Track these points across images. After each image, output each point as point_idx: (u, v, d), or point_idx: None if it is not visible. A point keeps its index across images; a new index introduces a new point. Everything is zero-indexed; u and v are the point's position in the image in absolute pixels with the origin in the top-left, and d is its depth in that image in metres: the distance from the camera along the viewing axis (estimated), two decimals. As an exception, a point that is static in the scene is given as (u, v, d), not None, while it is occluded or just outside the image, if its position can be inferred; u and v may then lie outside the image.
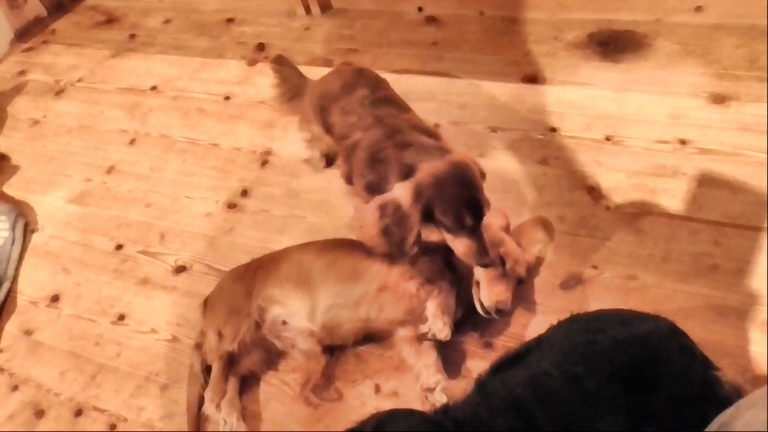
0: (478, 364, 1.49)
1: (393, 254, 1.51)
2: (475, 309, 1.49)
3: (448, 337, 1.47)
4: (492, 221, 1.55)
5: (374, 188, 1.60)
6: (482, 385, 1.15)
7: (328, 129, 1.83)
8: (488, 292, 1.45)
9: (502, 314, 1.46)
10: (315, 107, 1.88)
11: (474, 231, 1.43)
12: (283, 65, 2.14)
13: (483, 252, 1.42)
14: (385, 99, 1.75)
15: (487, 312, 1.46)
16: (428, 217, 1.46)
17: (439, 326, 1.46)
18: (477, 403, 1.09)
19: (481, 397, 1.10)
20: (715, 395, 1.10)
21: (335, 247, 1.65)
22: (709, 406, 1.03)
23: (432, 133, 1.66)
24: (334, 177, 2.00)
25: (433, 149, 1.54)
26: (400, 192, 1.47)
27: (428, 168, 1.47)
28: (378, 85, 1.81)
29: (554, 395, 1.06)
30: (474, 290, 1.49)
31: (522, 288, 1.56)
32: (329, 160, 2.04)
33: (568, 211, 1.73)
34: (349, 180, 1.83)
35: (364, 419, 1.09)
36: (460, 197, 1.43)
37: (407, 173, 1.49)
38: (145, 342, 1.77)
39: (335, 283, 1.54)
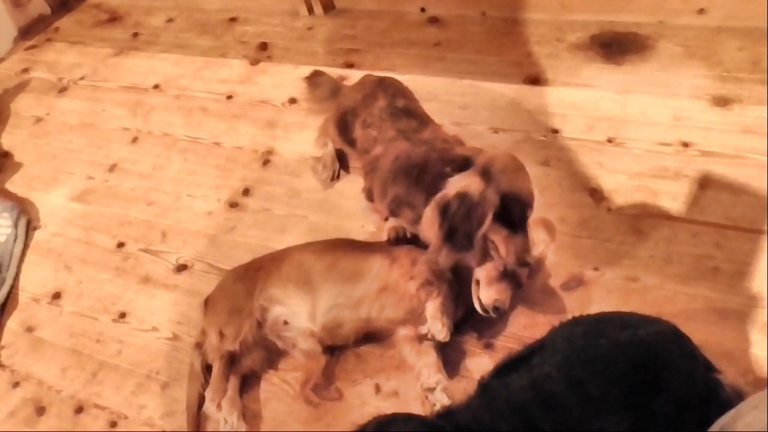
0: (478, 364, 1.49)
1: (456, 252, 1.39)
2: (475, 310, 1.48)
3: (447, 339, 1.47)
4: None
5: (401, 202, 1.56)
6: (485, 387, 1.15)
7: (351, 144, 1.81)
8: (487, 290, 1.44)
9: (499, 312, 1.46)
10: (337, 122, 1.86)
11: (525, 229, 1.36)
12: (316, 75, 2.16)
13: (527, 251, 1.36)
14: (404, 110, 1.70)
15: (484, 310, 1.45)
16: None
17: (437, 327, 1.46)
18: (479, 405, 1.09)
19: (484, 400, 1.10)
20: (717, 398, 1.10)
21: (336, 247, 1.65)
22: (711, 409, 1.03)
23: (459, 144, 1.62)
24: (343, 185, 2.00)
25: (472, 150, 1.48)
26: (464, 181, 1.34)
27: (494, 154, 1.37)
28: (398, 94, 1.76)
29: (556, 399, 1.06)
30: (473, 288, 1.47)
31: (523, 289, 1.55)
32: (336, 175, 2.00)
33: (570, 212, 1.73)
34: (369, 196, 1.77)
35: (365, 423, 1.09)
36: (529, 189, 1.33)
37: (463, 165, 1.37)
38: (146, 340, 1.78)
39: (336, 284, 1.54)
